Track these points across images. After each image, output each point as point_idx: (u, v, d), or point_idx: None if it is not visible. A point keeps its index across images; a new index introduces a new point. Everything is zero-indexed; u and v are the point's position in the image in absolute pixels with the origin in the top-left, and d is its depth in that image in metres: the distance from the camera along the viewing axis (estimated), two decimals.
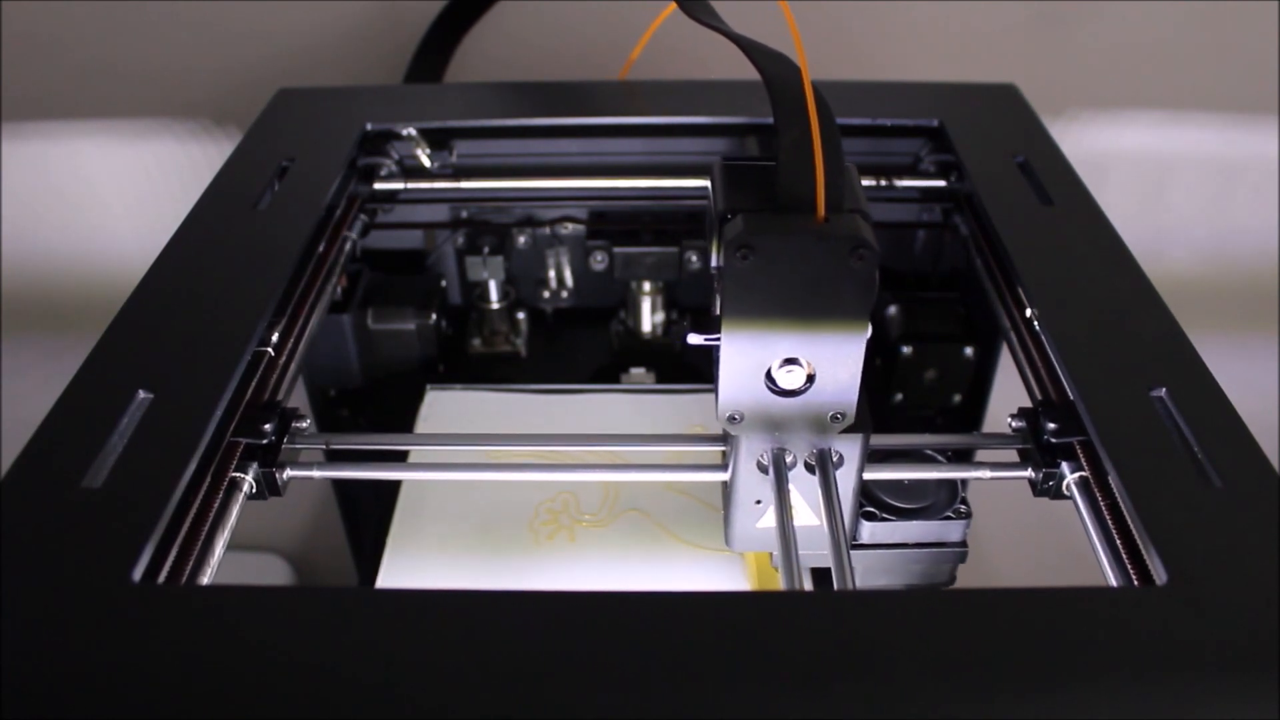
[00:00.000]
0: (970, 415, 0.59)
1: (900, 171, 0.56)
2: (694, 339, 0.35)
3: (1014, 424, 0.39)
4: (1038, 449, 0.38)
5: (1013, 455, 0.40)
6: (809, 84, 0.33)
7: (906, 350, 0.56)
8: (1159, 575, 0.30)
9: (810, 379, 0.35)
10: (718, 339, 0.34)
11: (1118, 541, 0.33)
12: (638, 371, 0.60)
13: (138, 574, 0.29)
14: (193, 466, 0.34)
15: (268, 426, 0.38)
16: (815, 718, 0.26)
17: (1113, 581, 0.33)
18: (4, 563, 0.29)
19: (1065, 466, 0.37)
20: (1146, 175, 0.88)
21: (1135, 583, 0.32)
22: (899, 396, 0.59)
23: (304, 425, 0.39)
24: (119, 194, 0.88)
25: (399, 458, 0.47)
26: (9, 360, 0.85)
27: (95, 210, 0.88)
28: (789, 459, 0.38)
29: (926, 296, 0.59)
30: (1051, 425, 0.37)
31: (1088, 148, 0.86)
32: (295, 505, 0.80)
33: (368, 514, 0.63)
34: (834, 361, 0.34)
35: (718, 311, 0.34)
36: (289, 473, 0.38)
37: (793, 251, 0.32)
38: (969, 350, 0.56)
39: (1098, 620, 0.28)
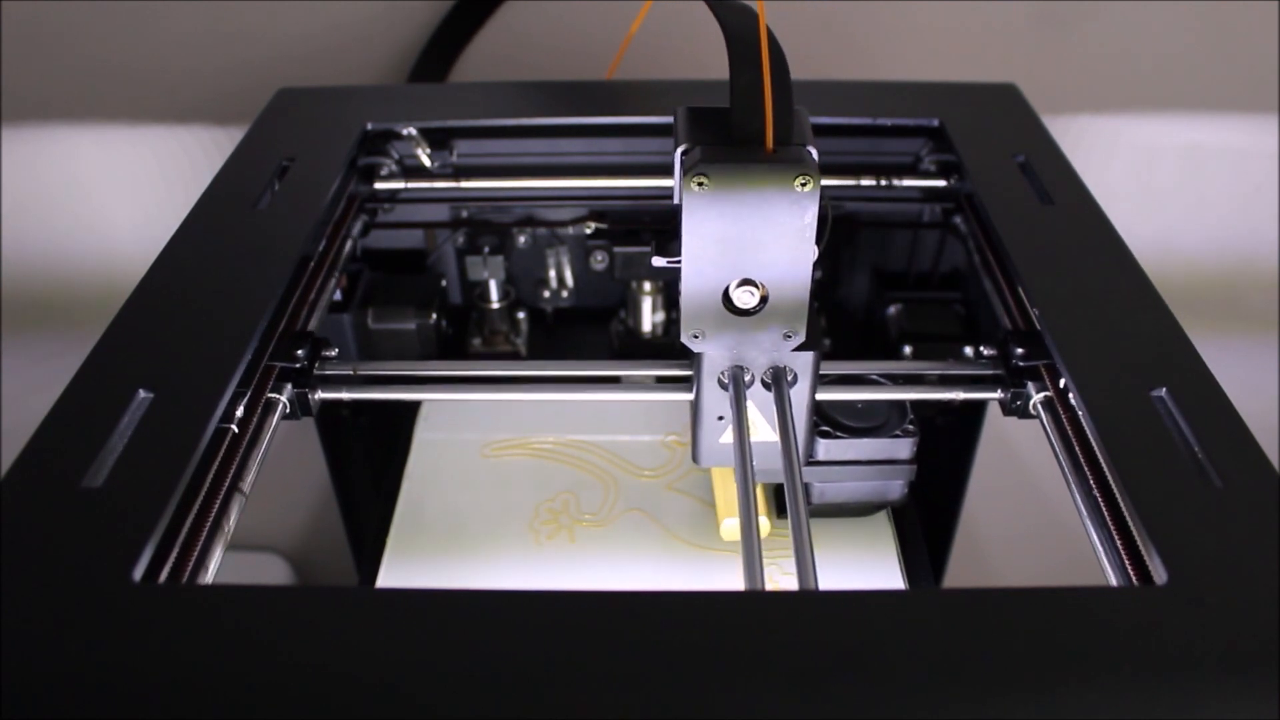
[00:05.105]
0: (970, 414, 0.59)
1: (901, 171, 0.56)
2: (658, 261, 0.39)
3: (986, 351, 0.43)
4: (1007, 372, 0.42)
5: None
6: (764, 29, 0.35)
7: (906, 350, 0.56)
8: (1159, 575, 0.30)
9: (764, 300, 0.38)
10: (679, 261, 0.37)
11: (1117, 540, 0.33)
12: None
13: (138, 574, 0.29)
14: (233, 385, 0.37)
15: (300, 352, 0.41)
16: (815, 718, 0.26)
17: (1112, 581, 0.33)
18: (4, 563, 0.29)
19: (1031, 387, 0.41)
20: (1146, 175, 0.88)
21: (1135, 582, 0.32)
22: None
23: (332, 354, 0.43)
24: (119, 194, 0.88)
25: (421, 382, 0.47)
26: (9, 360, 0.85)
27: (95, 210, 0.88)
28: (747, 377, 0.41)
29: (926, 296, 0.59)
30: (1019, 350, 0.41)
31: (1088, 147, 0.86)
32: (295, 505, 0.80)
33: (368, 514, 0.63)
34: (784, 282, 0.37)
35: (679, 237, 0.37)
36: (320, 394, 0.42)
37: (743, 177, 0.35)
38: (969, 350, 0.56)
39: (1098, 620, 0.28)
